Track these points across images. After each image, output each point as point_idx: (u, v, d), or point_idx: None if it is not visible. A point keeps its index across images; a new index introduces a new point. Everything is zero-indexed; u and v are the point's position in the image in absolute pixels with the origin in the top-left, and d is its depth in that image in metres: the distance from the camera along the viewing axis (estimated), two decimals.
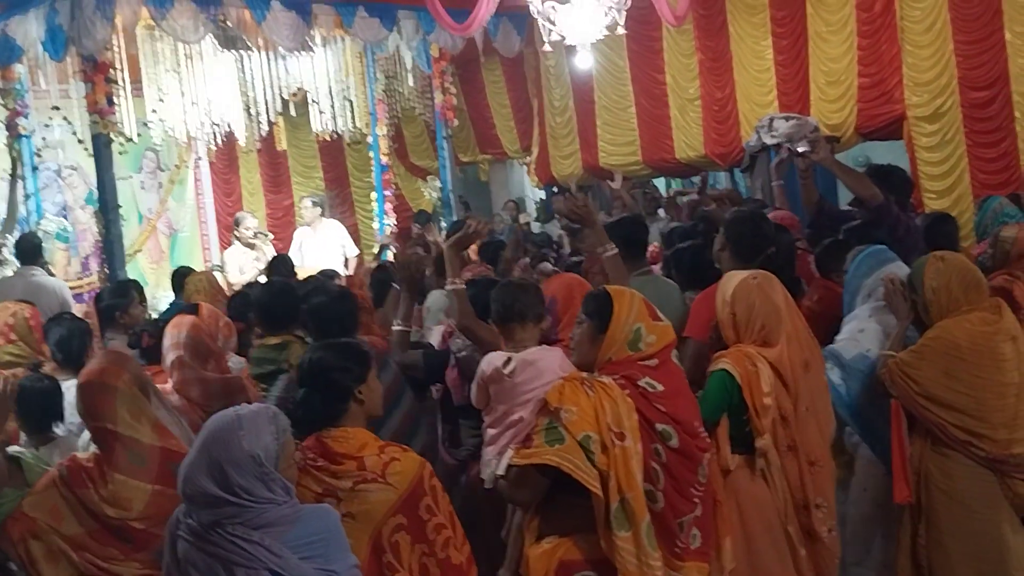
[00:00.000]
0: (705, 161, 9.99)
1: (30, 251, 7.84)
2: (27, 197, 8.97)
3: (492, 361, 3.32)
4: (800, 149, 7.06)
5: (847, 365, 4.10)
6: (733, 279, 3.73)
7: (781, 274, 4.14)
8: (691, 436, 3.21)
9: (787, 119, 8.56)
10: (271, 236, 10.43)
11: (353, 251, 10.15)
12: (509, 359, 3.25)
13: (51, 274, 8.40)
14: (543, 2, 7.36)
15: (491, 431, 3.28)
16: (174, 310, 5.96)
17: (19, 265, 7.90)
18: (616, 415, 3.06)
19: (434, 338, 5.00)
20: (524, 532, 3.29)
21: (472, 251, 6.57)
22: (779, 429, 3.56)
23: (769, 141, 8.53)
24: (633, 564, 3.02)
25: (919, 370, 3.83)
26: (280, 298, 4.46)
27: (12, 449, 3.49)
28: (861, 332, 4.17)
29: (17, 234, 8.95)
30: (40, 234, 8.84)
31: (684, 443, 3.18)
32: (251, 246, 9.41)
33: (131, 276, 7.96)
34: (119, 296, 5.74)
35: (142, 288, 6.45)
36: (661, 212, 9.32)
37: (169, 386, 4.42)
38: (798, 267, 5.26)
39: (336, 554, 2.48)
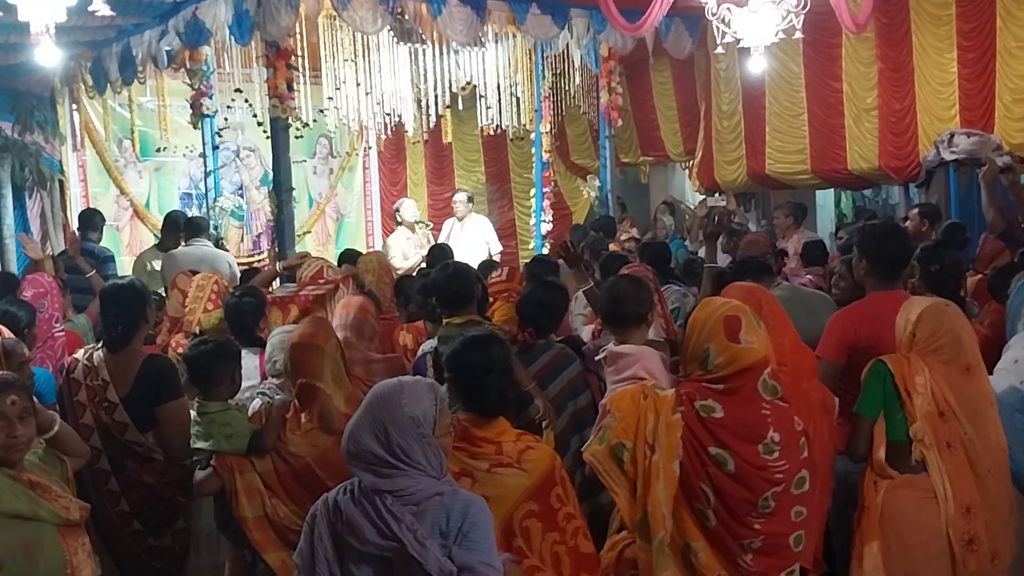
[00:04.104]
0: (879, 174, 9.62)
1: (194, 227, 8.37)
2: (207, 175, 9.42)
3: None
4: (999, 163, 6.72)
5: (997, 399, 3.88)
6: (922, 302, 3.64)
7: (944, 292, 3.97)
8: (754, 467, 3.07)
9: (968, 135, 8.17)
10: (431, 225, 10.65)
11: (496, 247, 10.22)
12: (603, 349, 3.28)
13: (223, 248, 8.86)
14: (719, 4, 7.24)
15: None
16: None
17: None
18: (654, 428, 3.06)
19: (584, 335, 5.05)
20: (613, 520, 3.35)
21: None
22: (938, 424, 3.44)
23: (948, 157, 8.16)
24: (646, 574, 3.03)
25: None
26: (456, 279, 4.59)
27: None
28: (1016, 363, 3.94)
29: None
30: (216, 210, 9.29)
31: (743, 471, 3.05)
32: (412, 229, 9.64)
33: None
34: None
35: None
36: None
37: None
38: (976, 290, 5.05)
39: (478, 545, 2.49)
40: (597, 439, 3.11)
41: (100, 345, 4.26)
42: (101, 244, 8.48)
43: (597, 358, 3.27)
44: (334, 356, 3.78)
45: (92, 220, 8.47)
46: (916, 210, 7.24)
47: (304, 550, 2.54)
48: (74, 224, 11.06)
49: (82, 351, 4.35)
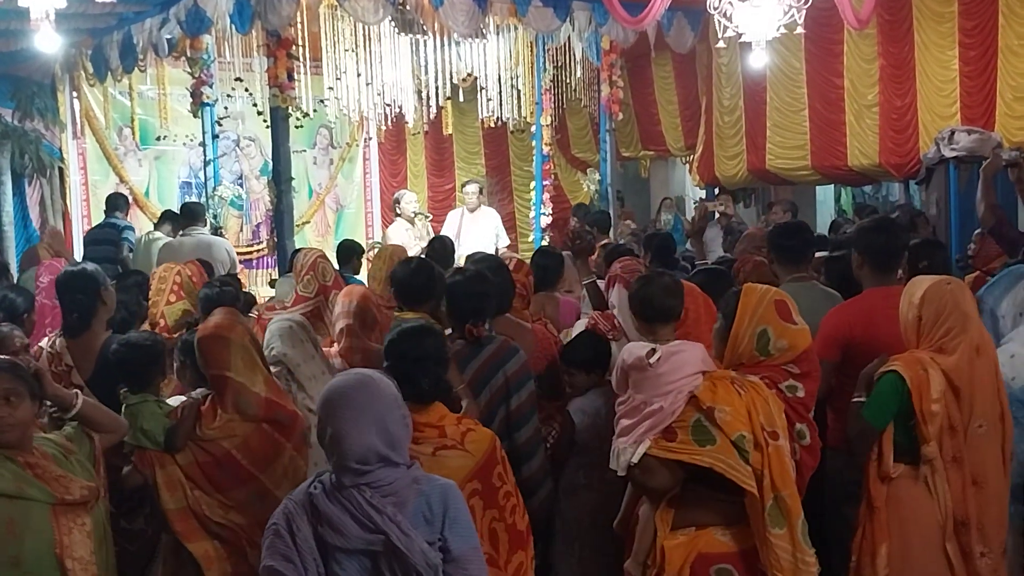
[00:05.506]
0: (879, 170, 9.61)
1: (191, 214, 8.44)
2: (206, 164, 9.41)
3: (634, 351, 3.31)
4: (1004, 157, 6.70)
5: None
6: (923, 283, 3.59)
7: None
8: (815, 431, 3.44)
9: (969, 133, 8.16)
10: (430, 217, 10.65)
11: (504, 241, 10.23)
12: (654, 349, 3.23)
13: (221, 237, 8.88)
14: None
15: (625, 421, 3.26)
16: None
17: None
18: (769, 414, 3.15)
19: (577, 328, 5.02)
20: (657, 523, 3.28)
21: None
22: (946, 439, 3.43)
23: (948, 154, 8.15)
24: (788, 561, 3.06)
25: None
26: (417, 275, 4.47)
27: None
28: (1012, 358, 3.92)
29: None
30: (216, 199, 9.29)
31: (813, 440, 3.40)
32: (411, 221, 9.65)
33: (298, 247, 8.26)
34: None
35: None
36: None
37: (334, 350, 4.63)
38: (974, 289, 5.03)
39: (458, 530, 2.51)
40: (694, 437, 3.10)
41: (61, 332, 4.24)
42: None
43: (653, 360, 3.19)
44: (242, 343, 3.70)
45: (117, 202, 9.36)
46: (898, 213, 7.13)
47: (284, 552, 2.43)
48: (76, 212, 11.09)
49: (46, 339, 4.34)
